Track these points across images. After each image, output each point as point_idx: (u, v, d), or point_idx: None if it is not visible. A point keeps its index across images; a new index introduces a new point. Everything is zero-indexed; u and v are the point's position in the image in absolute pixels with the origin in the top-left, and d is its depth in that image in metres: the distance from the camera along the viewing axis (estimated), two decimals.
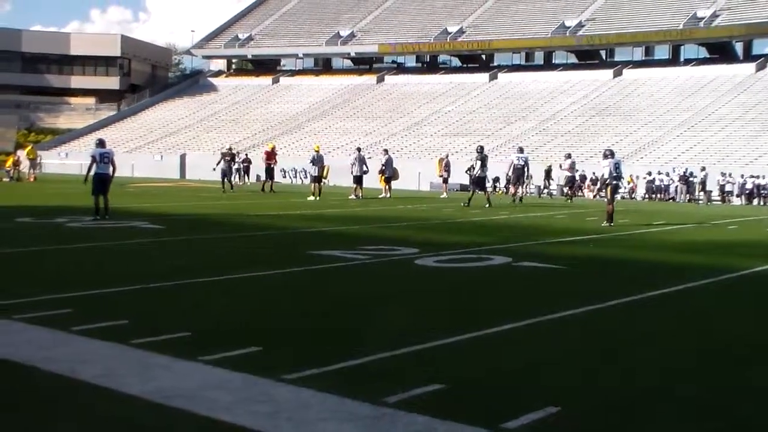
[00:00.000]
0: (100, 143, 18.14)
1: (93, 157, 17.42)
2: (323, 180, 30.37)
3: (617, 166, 19.05)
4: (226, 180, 32.35)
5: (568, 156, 36.98)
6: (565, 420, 4.60)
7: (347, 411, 4.61)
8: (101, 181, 17.16)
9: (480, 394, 5.08)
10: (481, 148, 26.41)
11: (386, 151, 33.74)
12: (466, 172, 28.34)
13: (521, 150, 30.39)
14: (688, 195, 41.16)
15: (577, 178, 40.60)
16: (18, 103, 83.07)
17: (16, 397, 4.84)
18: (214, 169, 34.05)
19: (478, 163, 25.30)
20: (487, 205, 24.45)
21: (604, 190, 19.25)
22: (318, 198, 27.52)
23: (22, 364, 5.41)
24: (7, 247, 12.25)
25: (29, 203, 22.24)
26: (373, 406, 4.67)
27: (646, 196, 42.38)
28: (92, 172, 17.33)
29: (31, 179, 40.47)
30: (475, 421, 4.48)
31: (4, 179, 37.20)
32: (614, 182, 18.96)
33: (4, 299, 7.58)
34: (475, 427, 4.38)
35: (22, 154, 47.00)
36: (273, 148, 35.91)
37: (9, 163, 41.93)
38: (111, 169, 17.40)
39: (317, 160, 29.04)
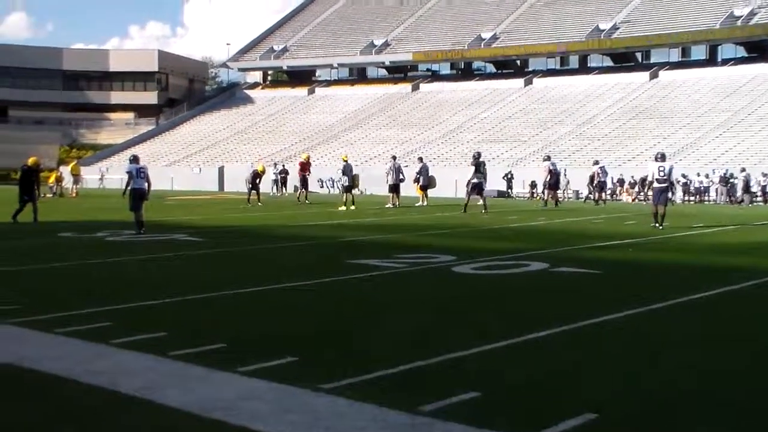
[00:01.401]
0: (135, 159, 18.38)
1: (129, 173, 17.66)
2: (354, 189, 30.32)
3: (661, 169, 18.91)
4: (252, 193, 32.11)
5: (596, 162, 37.14)
6: (603, 427, 4.56)
7: (383, 420, 4.60)
8: (139, 196, 17.38)
9: (517, 402, 5.05)
10: (478, 154, 26.67)
11: (421, 159, 33.76)
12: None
13: (548, 158, 31.48)
14: (728, 197, 40.65)
15: (609, 182, 40.58)
16: (60, 120, 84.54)
17: (57, 410, 4.91)
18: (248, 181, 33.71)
19: (472, 169, 25.68)
20: (463, 211, 24.68)
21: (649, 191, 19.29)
22: (351, 208, 27.42)
23: (63, 378, 5.48)
24: (48, 262, 12.43)
25: (72, 218, 22.56)
26: (409, 415, 4.66)
27: (684, 198, 41.93)
28: (129, 188, 17.55)
29: (74, 195, 41.05)
30: (512, 428, 4.46)
31: (48, 195, 37.75)
32: (659, 185, 18.86)
33: (44, 313, 7.70)
34: None
35: (65, 170, 47.73)
36: (307, 159, 36.03)
37: (52, 179, 42.56)
38: (146, 184, 17.60)
39: (347, 170, 29.06)
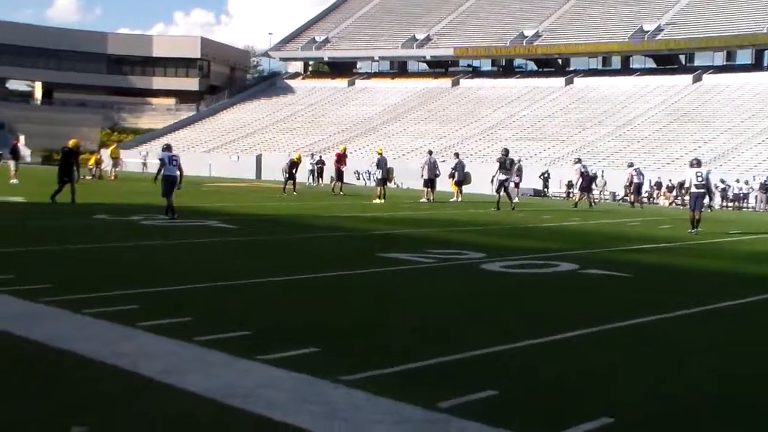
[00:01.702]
0: (167, 147, 18.68)
1: (162, 160, 17.97)
2: (388, 182, 30.44)
3: (699, 174, 18.92)
4: (288, 182, 32.25)
5: (631, 164, 36.88)
6: (620, 430, 4.54)
7: (400, 414, 4.62)
8: (170, 183, 17.62)
9: (534, 402, 5.04)
10: (506, 151, 27.06)
11: (457, 155, 33.69)
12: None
13: (579, 160, 32.10)
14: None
15: (646, 184, 40.44)
16: (102, 103, 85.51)
17: (80, 390, 4.99)
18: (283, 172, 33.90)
19: (496, 165, 26.06)
20: (496, 208, 24.98)
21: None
22: (381, 201, 27.57)
23: (88, 358, 5.57)
24: (81, 243, 12.62)
25: (108, 201, 22.82)
26: (425, 411, 4.68)
27: (722, 204, 41.43)
28: (161, 174, 17.82)
29: (112, 178, 41.49)
30: (527, 429, 4.46)
31: (87, 177, 38.18)
32: (697, 190, 18.88)
33: (73, 293, 7.82)
34: None
35: (105, 153, 48.26)
36: (344, 151, 36.10)
37: (92, 161, 43.03)
38: (178, 172, 17.84)
39: (382, 163, 29.15)
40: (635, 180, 34.91)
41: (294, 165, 32.30)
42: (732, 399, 5.27)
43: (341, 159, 34.86)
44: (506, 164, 25.97)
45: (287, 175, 32.19)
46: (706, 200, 20.11)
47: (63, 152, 22.00)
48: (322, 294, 8.88)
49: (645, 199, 41.58)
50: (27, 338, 6.08)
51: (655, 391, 5.41)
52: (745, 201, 41.58)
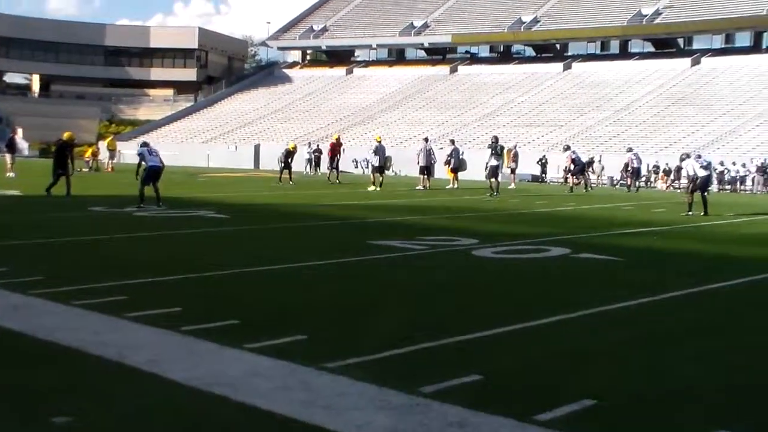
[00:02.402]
0: (145, 144, 18.88)
1: (141, 154, 18.11)
2: (386, 170, 30.52)
3: (699, 160, 19.94)
4: (284, 172, 32.19)
5: (630, 149, 37.09)
6: (600, 413, 4.56)
7: (382, 400, 4.64)
8: (154, 173, 17.79)
9: (517, 386, 5.07)
10: (496, 138, 27.64)
11: (453, 141, 33.67)
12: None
13: (569, 147, 32.93)
14: (765, 186, 40.12)
15: (644, 169, 40.78)
16: (100, 95, 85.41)
17: (66, 380, 5.02)
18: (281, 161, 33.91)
19: (489, 151, 26.71)
20: (494, 194, 25.35)
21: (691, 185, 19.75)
22: (379, 188, 27.58)
23: (75, 348, 5.60)
24: (75, 236, 12.64)
25: (104, 193, 22.84)
26: (408, 396, 4.70)
27: (719, 187, 41.44)
28: (143, 167, 18.02)
29: (109, 169, 41.48)
30: (509, 412, 4.47)
31: (84, 169, 38.18)
32: (706, 172, 19.62)
33: (65, 285, 7.85)
34: (507, 419, 4.38)
35: (102, 144, 48.25)
36: (338, 140, 36.09)
37: (88, 153, 43.00)
38: (161, 164, 18.08)
39: (380, 151, 29.17)
40: (634, 165, 35.14)
41: (289, 154, 32.28)
42: (720, 384, 5.29)
43: (335, 148, 34.83)
44: (497, 150, 26.22)
45: (283, 165, 32.18)
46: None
47: (57, 145, 22.03)
48: (311, 282, 8.90)
49: (642, 183, 41.75)
50: (12, 329, 6.10)
51: (639, 374, 5.44)
52: (742, 184, 41.55)
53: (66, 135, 22.35)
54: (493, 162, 26.28)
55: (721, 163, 41.38)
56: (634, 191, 33.38)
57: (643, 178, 43.56)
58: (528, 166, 43.71)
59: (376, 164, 29.13)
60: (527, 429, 4.26)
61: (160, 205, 17.43)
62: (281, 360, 5.39)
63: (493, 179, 26.42)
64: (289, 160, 32.10)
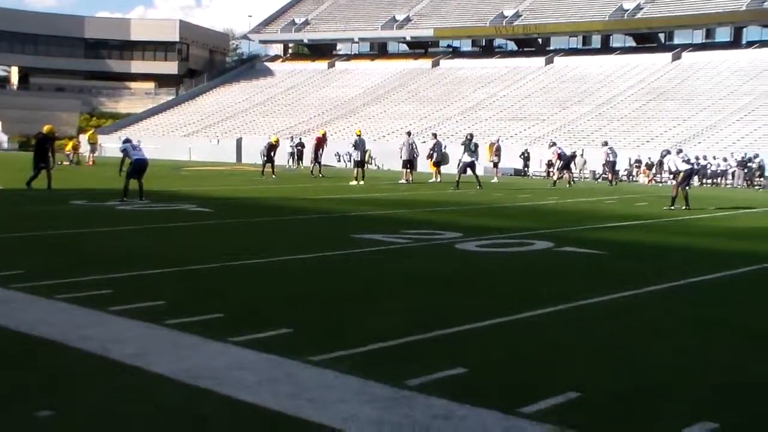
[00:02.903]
0: (128, 140, 18.84)
1: (125, 150, 18.01)
2: (366, 164, 30.57)
3: (681, 155, 20.22)
4: (267, 165, 32.03)
5: (605, 143, 37.43)
6: (584, 406, 4.58)
7: (368, 393, 4.65)
8: (140, 167, 17.77)
9: (502, 379, 5.08)
10: (471, 135, 27.91)
11: (435, 135, 33.72)
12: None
13: (554, 143, 33.61)
14: (745, 180, 40.40)
15: (626, 162, 41.32)
16: (81, 88, 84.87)
17: (49, 374, 4.99)
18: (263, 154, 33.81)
19: (461, 148, 27.05)
20: (478, 188, 25.42)
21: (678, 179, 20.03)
22: (362, 182, 27.57)
23: (59, 343, 5.56)
24: (57, 229, 12.57)
25: (85, 186, 22.73)
26: (393, 389, 4.71)
27: (702, 181, 41.69)
28: (128, 161, 17.92)
29: (90, 163, 41.27)
30: (494, 405, 4.48)
31: (64, 163, 37.97)
32: (689, 166, 20.01)
33: (47, 279, 7.79)
34: (492, 411, 4.39)
35: (83, 138, 47.96)
36: (323, 135, 36.10)
37: (69, 147, 42.76)
38: (146, 156, 18.08)
39: (359, 144, 29.17)
40: (610, 158, 35.62)
41: (272, 148, 32.21)
42: (703, 377, 5.32)
43: (320, 142, 34.82)
44: (470, 146, 26.36)
45: (265, 158, 32.12)
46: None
47: (38, 138, 21.91)
48: (295, 275, 8.90)
49: (624, 177, 42.04)
50: None
51: (623, 367, 5.46)
52: (723, 178, 41.79)
53: (46, 128, 22.22)
54: (467, 158, 26.36)
55: (704, 157, 41.56)
56: (614, 185, 33.75)
57: (625, 172, 43.85)
58: (510, 160, 43.81)
59: (357, 158, 29.14)
60: (512, 421, 4.27)
61: (143, 200, 17.37)
62: (266, 353, 5.38)
63: (468, 173, 26.56)
64: (272, 153, 32.04)
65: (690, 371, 5.42)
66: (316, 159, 34.41)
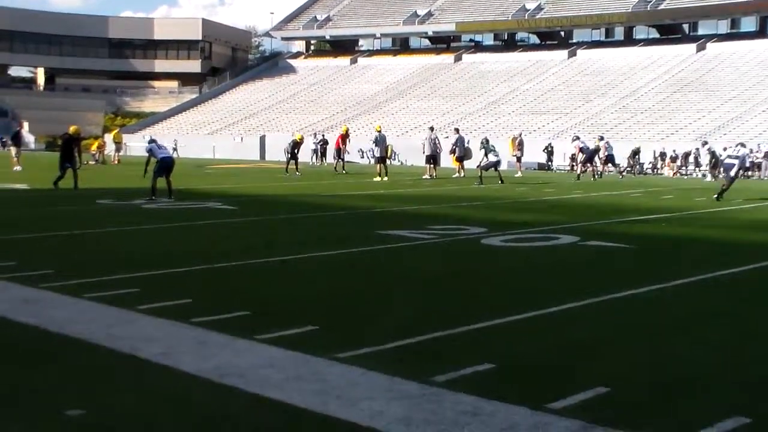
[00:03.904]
0: (153, 140, 18.92)
1: (150, 150, 18.08)
2: (388, 159, 30.60)
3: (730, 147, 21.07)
4: (291, 162, 32.15)
5: (601, 138, 37.16)
6: (613, 401, 4.54)
7: (395, 390, 4.64)
8: (167, 166, 17.77)
9: (530, 375, 5.06)
10: (486, 140, 27.68)
11: (457, 130, 33.64)
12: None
13: (577, 137, 34.12)
14: None
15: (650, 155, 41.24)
16: (105, 87, 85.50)
17: (78, 373, 5.03)
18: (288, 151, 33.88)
19: (482, 152, 26.99)
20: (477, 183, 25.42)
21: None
22: (385, 178, 27.56)
23: (88, 342, 5.60)
24: (84, 228, 12.65)
25: (111, 185, 22.87)
26: (420, 385, 4.69)
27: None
28: (154, 161, 17.99)
29: (116, 162, 41.54)
30: (522, 401, 4.46)
31: (90, 162, 38.24)
32: (731, 160, 20.32)
33: (75, 278, 7.85)
34: (520, 407, 4.37)
35: (108, 137, 48.28)
36: (346, 131, 36.09)
37: (94, 146, 43.06)
38: (175, 154, 18.15)
39: (380, 141, 29.16)
40: (607, 152, 35.49)
41: (296, 145, 32.30)
42: (735, 371, 5.26)
43: (343, 139, 34.89)
44: (490, 147, 26.46)
45: (289, 155, 32.20)
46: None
47: (64, 139, 22.07)
48: (321, 272, 8.90)
49: (649, 170, 41.82)
50: (23, 323, 6.11)
51: (653, 362, 5.41)
52: (752, 170, 41.30)
53: (72, 129, 22.39)
54: (492, 158, 26.30)
55: (725, 149, 41.07)
56: (597, 178, 33.16)
57: (650, 165, 43.56)
58: (534, 155, 43.60)
59: (378, 155, 29.14)
60: (541, 417, 4.24)
61: (171, 198, 17.45)
62: (293, 351, 5.38)
63: (485, 171, 26.45)
64: (296, 150, 32.12)
65: (722, 365, 5.36)
66: (340, 155, 34.45)
